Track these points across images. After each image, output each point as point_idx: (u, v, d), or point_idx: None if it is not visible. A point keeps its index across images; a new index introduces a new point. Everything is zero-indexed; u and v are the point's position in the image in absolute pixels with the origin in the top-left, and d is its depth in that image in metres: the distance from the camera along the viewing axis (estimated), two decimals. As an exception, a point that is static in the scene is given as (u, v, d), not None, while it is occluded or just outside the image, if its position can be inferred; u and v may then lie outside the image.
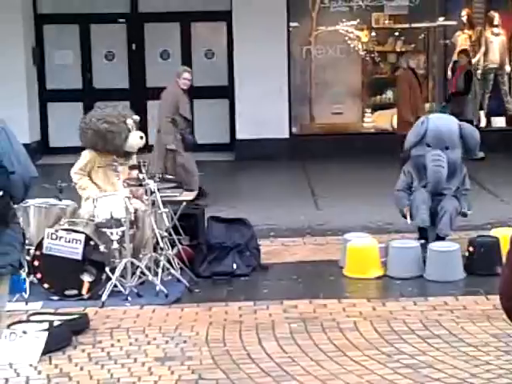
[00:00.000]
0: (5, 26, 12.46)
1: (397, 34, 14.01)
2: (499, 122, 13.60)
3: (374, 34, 13.96)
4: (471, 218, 7.89)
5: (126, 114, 7.19)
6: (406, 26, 13.93)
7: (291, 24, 13.37)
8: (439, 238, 7.13)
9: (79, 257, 6.35)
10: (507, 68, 13.46)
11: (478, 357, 5.12)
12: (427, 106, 13.73)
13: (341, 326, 5.73)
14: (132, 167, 6.88)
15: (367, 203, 9.52)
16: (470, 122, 12.21)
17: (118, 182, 6.72)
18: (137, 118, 7.22)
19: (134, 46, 13.58)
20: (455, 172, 7.23)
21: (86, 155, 7.04)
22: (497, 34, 13.51)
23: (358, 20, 13.75)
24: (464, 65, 12.62)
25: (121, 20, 13.53)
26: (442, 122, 7.32)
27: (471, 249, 6.92)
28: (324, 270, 7.10)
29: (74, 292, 6.36)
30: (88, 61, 13.59)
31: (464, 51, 12.84)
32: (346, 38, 13.73)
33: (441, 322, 5.77)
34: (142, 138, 7.13)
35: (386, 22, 13.94)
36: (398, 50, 14.06)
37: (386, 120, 13.89)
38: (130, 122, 7.09)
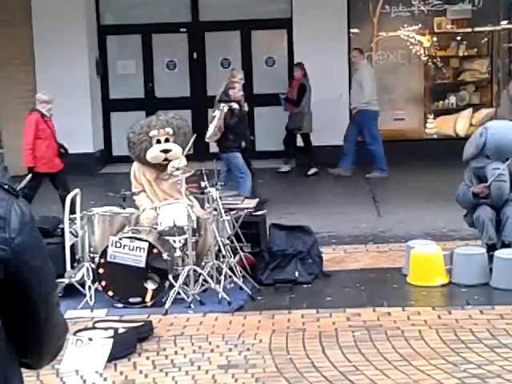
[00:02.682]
0: (69, 37, 12.70)
1: (459, 38, 13.81)
2: None
3: (435, 38, 13.78)
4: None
5: (156, 125, 7.16)
6: (469, 30, 13.73)
7: (352, 30, 13.31)
8: (505, 246, 6.97)
9: (143, 264, 6.41)
10: None
11: (548, 367, 4.99)
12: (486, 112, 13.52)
13: (405, 334, 5.65)
14: (192, 175, 6.91)
15: (430, 210, 9.41)
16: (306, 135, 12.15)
17: (180, 190, 6.75)
18: (169, 130, 7.11)
19: (195, 55, 13.69)
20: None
21: (132, 167, 7.21)
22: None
23: (420, 25, 13.60)
24: (298, 78, 12.32)
25: (182, 29, 13.66)
26: (502, 133, 7.07)
27: (539, 256, 6.76)
28: (387, 278, 7.02)
29: (138, 299, 6.42)
30: (150, 70, 13.76)
31: (298, 64, 12.45)
32: (408, 44, 13.59)
33: (508, 330, 5.64)
34: (165, 151, 7.03)
35: (449, 26, 13.76)
36: (461, 54, 13.87)
37: (448, 126, 13.70)
38: (154, 133, 7.08)
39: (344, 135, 12.09)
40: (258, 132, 13.50)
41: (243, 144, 9.68)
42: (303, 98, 12.11)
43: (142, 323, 5.84)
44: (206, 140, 9.68)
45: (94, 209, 6.87)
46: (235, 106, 9.51)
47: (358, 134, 12.08)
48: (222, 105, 9.47)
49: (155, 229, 6.65)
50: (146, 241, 6.45)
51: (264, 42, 13.77)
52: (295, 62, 12.67)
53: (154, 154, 7.03)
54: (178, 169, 6.81)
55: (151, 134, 7.05)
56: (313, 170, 12.11)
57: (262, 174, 12.22)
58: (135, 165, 7.20)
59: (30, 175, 8.30)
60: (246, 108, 9.88)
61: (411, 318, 6.00)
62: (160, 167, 7.07)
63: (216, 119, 9.40)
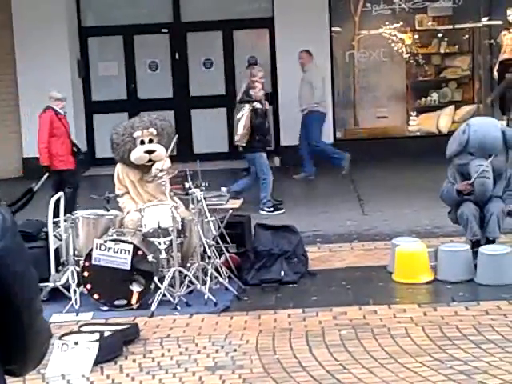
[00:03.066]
0: (50, 39, 12.64)
1: (441, 35, 13.86)
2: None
3: (417, 36, 13.82)
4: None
5: (139, 125, 7.13)
6: (450, 27, 13.78)
7: (333, 29, 13.33)
8: (489, 242, 7.00)
9: (128, 267, 6.39)
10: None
11: (534, 362, 5.02)
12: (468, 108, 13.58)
13: (392, 332, 5.66)
14: (176, 177, 6.90)
15: (414, 207, 9.43)
16: None
17: (165, 192, 6.74)
18: (152, 131, 7.07)
19: (177, 56, 13.66)
20: (500, 176, 7.09)
21: (116, 168, 7.19)
22: (543, 33, 13.28)
23: (401, 23, 13.63)
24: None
25: (164, 30, 13.62)
26: (485, 130, 7.08)
27: (522, 251, 6.80)
28: (373, 276, 7.03)
29: (124, 302, 6.39)
30: (132, 71, 13.72)
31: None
32: (389, 41, 13.63)
33: (494, 326, 5.67)
34: (149, 152, 6.99)
35: (430, 23, 13.80)
36: (443, 51, 13.91)
37: (431, 123, 13.75)
38: (137, 134, 7.05)
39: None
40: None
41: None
42: None
43: (127, 326, 5.82)
44: (236, 143, 9.67)
45: (78, 211, 6.84)
46: (258, 105, 9.55)
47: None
48: (245, 105, 9.48)
49: (140, 231, 6.62)
50: (131, 243, 6.42)
51: (246, 41, 13.76)
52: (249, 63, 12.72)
53: (138, 154, 7.00)
54: (162, 170, 6.79)
55: (135, 135, 7.03)
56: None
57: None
58: (119, 166, 7.18)
59: (47, 174, 8.25)
60: (266, 106, 9.88)
61: (397, 315, 6.01)
62: (144, 168, 7.05)
63: (243, 120, 9.40)
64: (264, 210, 9.56)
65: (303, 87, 11.84)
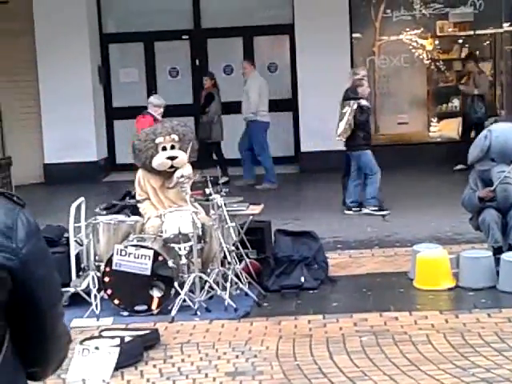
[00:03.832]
0: (71, 45, 12.73)
1: (461, 41, 13.80)
2: None
3: (438, 42, 13.78)
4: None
5: (162, 132, 7.14)
6: (471, 33, 13.72)
7: (354, 35, 13.31)
8: (511, 248, 6.95)
9: (148, 272, 6.40)
10: None
11: (557, 370, 4.97)
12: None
13: (413, 339, 5.62)
14: (197, 182, 6.92)
15: (435, 214, 9.38)
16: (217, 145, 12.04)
17: (186, 197, 6.74)
18: (174, 137, 7.08)
19: (197, 62, 13.70)
20: (522, 182, 7.04)
21: (137, 174, 7.16)
22: None
23: (422, 28, 13.60)
24: (208, 87, 12.36)
25: (184, 36, 13.67)
26: (506, 136, 7.04)
27: (545, 258, 6.74)
28: (394, 282, 6.99)
29: (144, 307, 6.40)
30: (153, 78, 13.77)
31: (209, 74, 12.47)
32: (410, 47, 13.59)
33: (517, 334, 5.62)
34: (171, 158, 6.99)
35: (451, 29, 13.75)
36: (464, 57, 13.85)
37: (452, 129, 13.69)
38: (159, 140, 7.05)
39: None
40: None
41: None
42: (209, 107, 12.12)
43: (148, 331, 5.82)
44: (337, 138, 9.72)
45: (99, 217, 6.86)
46: (364, 102, 9.64)
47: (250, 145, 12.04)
48: (351, 102, 9.56)
49: (160, 236, 6.63)
50: (152, 248, 6.43)
51: (266, 48, 13.77)
52: (207, 72, 12.80)
53: (160, 160, 7.01)
54: (182, 176, 6.80)
55: (157, 141, 7.04)
56: (224, 179, 12.05)
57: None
58: (140, 172, 7.19)
59: None
60: (368, 105, 9.97)
61: (418, 322, 5.97)
62: (165, 174, 7.06)
63: (346, 116, 9.49)
64: (367, 208, 9.57)
65: (243, 97, 11.96)
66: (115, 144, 13.82)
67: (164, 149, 7.05)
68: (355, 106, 9.52)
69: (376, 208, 9.57)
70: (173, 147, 7.07)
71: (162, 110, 9.16)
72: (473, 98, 12.25)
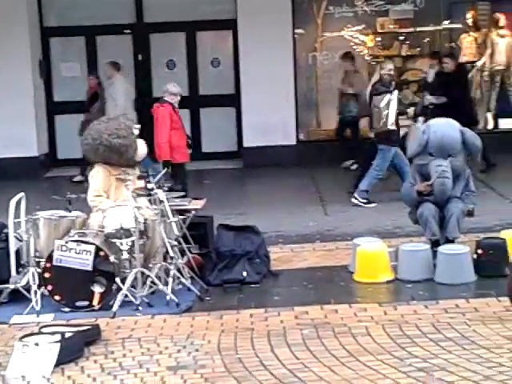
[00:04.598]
0: (12, 40, 12.52)
1: (402, 38, 14.00)
2: (507, 123, 13.56)
3: (379, 38, 13.95)
4: (480, 219, 7.89)
5: (130, 124, 7.18)
6: (411, 30, 13.93)
7: (296, 31, 13.38)
8: (448, 241, 7.11)
9: (89, 268, 6.37)
10: (514, 69, 13.41)
11: (491, 359, 5.10)
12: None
13: (352, 331, 5.72)
14: (140, 177, 6.90)
15: (375, 208, 9.54)
16: None
17: (127, 193, 6.73)
18: (138, 127, 7.20)
19: (140, 57, 13.62)
20: (459, 176, 7.19)
21: (99, 171, 6.98)
22: (502, 36, 13.47)
23: (363, 25, 13.74)
24: (93, 86, 12.45)
25: (126, 31, 13.57)
26: (444, 131, 7.17)
27: (480, 251, 6.91)
28: (334, 276, 7.09)
29: (85, 303, 6.37)
30: (95, 72, 13.61)
31: (93, 73, 12.64)
32: (352, 44, 13.73)
33: (452, 324, 5.75)
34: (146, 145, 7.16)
35: (391, 26, 13.94)
36: (404, 54, 14.06)
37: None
38: (135, 132, 7.10)
39: None
40: (205, 133, 13.51)
41: None
42: (93, 107, 12.13)
43: (89, 327, 5.80)
44: (389, 127, 9.73)
45: (39, 213, 6.80)
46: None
47: None
48: (393, 92, 9.74)
49: (102, 231, 6.61)
50: (93, 244, 6.41)
51: (209, 43, 13.76)
52: (91, 71, 12.81)
53: (143, 150, 7.04)
54: (127, 172, 6.82)
55: (136, 132, 7.05)
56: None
57: (210, 174, 12.25)
58: (101, 168, 7.02)
59: (166, 169, 8.17)
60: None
61: (358, 314, 6.07)
62: (117, 168, 6.98)
63: (393, 105, 9.63)
64: (356, 199, 9.72)
65: (108, 100, 12.03)
66: (56, 139, 13.65)
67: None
68: (395, 96, 9.75)
69: (365, 201, 9.71)
70: None
71: (179, 98, 9.08)
72: (348, 97, 12.31)
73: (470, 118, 11.34)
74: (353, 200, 9.79)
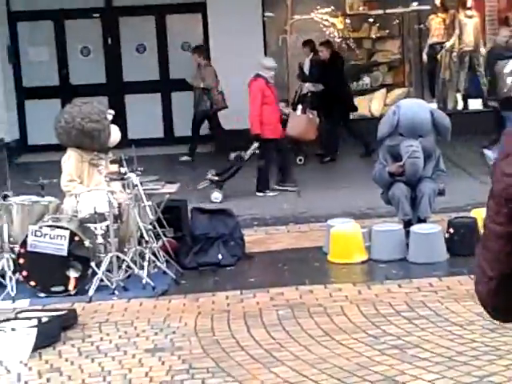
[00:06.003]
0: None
1: (371, 20, 14.06)
2: (476, 104, 13.70)
3: (348, 20, 14.00)
4: (451, 199, 7.99)
5: (104, 109, 7.17)
6: (381, 12, 13.99)
7: (266, 14, 13.39)
8: (420, 221, 7.19)
9: (64, 253, 6.36)
10: (482, 50, 13.54)
11: (464, 335, 5.20)
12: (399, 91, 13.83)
13: (328, 310, 5.78)
14: (113, 162, 6.89)
15: (348, 190, 9.60)
16: None
17: (100, 177, 6.72)
18: (112, 112, 7.19)
19: (109, 41, 13.54)
20: (430, 156, 7.27)
21: (71, 156, 6.94)
22: (470, 17, 13.59)
23: (333, 7, 13.79)
24: None
25: (95, 15, 13.48)
26: (414, 111, 7.22)
27: (451, 230, 7.01)
28: (309, 257, 7.15)
29: (61, 288, 6.37)
30: (64, 57, 13.53)
31: None
32: (321, 26, 13.76)
33: (426, 302, 5.84)
34: (119, 131, 7.16)
35: (361, 8, 13.99)
36: (373, 36, 14.12)
37: (363, 106, 13.94)
38: (109, 117, 7.09)
39: None
40: (174, 116, 13.49)
41: None
42: None
43: (65, 311, 5.80)
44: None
45: (12, 198, 6.77)
46: None
47: None
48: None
49: (76, 216, 6.59)
50: (67, 229, 6.40)
51: (179, 26, 13.71)
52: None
53: (116, 135, 7.04)
54: (99, 156, 6.80)
55: (109, 117, 7.02)
56: None
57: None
58: (73, 153, 6.97)
59: (257, 144, 8.09)
60: None
61: (333, 294, 6.14)
62: (90, 153, 6.96)
63: None
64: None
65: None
66: (27, 125, 13.55)
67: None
68: None
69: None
70: None
71: (273, 72, 9.01)
72: (200, 91, 12.10)
73: (349, 105, 11.59)
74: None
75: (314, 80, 11.46)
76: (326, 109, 11.45)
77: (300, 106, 11.04)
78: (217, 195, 9.25)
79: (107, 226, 6.46)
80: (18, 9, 13.45)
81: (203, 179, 9.38)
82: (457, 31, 13.66)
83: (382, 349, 5.05)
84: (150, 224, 6.81)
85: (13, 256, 6.42)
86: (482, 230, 2.02)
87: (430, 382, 4.55)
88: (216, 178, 9.01)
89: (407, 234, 7.01)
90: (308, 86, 11.34)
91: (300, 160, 11.25)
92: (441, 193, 7.29)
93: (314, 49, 11.93)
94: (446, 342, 5.11)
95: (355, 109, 11.94)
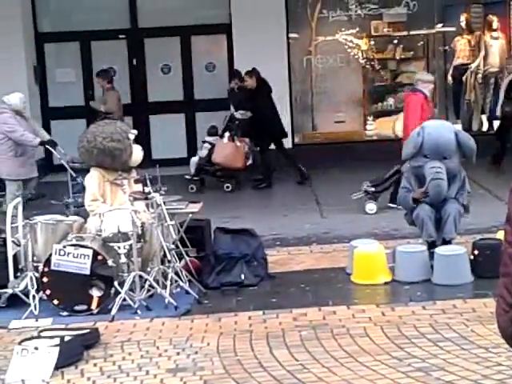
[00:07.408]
0: (6, 45, 12.53)
1: (396, 41, 14.06)
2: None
3: (373, 41, 14.01)
4: (476, 221, 7.92)
5: (127, 129, 7.20)
6: (405, 33, 13.99)
7: (291, 35, 13.43)
8: (445, 242, 7.13)
9: (87, 272, 6.38)
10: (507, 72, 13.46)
11: (489, 358, 5.13)
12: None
13: (351, 332, 5.74)
14: (137, 181, 6.91)
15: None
16: None
17: (124, 197, 6.74)
18: (135, 132, 7.21)
19: (134, 62, 13.64)
20: (455, 178, 7.21)
21: (93, 175, 6.95)
22: (496, 38, 13.56)
23: (357, 28, 13.81)
24: None
25: (121, 36, 13.60)
26: (438, 133, 7.18)
27: (476, 252, 6.94)
28: (332, 278, 7.11)
29: (84, 307, 6.38)
30: (89, 78, 13.65)
31: None
32: (346, 47, 13.78)
33: (450, 325, 5.78)
34: (142, 151, 7.17)
35: (385, 29, 14.00)
36: (398, 57, 14.12)
37: (387, 127, 13.92)
38: (131, 137, 7.11)
39: None
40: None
41: None
42: None
43: (88, 330, 5.81)
44: None
45: (37, 217, 6.81)
46: None
47: None
48: None
49: (99, 235, 6.61)
50: (91, 248, 6.41)
51: (204, 47, 13.80)
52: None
53: (138, 155, 7.03)
54: (123, 176, 6.83)
55: (131, 137, 7.05)
56: None
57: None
58: (95, 172, 7.01)
59: None
60: None
61: (356, 315, 6.09)
62: (113, 172, 6.99)
63: None
64: None
65: None
66: (52, 145, 13.63)
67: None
68: None
69: None
70: None
71: (432, 86, 8.95)
72: (101, 115, 11.35)
73: (279, 131, 11.57)
74: None
75: (241, 108, 11.52)
76: (256, 136, 11.50)
77: (227, 134, 11.14)
78: (371, 206, 9.30)
79: (130, 245, 6.47)
80: (46, 30, 13.61)
81: (357, 190, 9.39)
82: (482, 53, 13.63)
83: (407, 371, 5.00)
84: (173, 243, 6.82)
85: (36, 275, 6.45)
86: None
87: (454, 405, 4.49)
88: (372, 190, 9.05)
89: (431, 255, 6.95)
90: (236, 114, 11.41)
91: (227, 187, 11.31)
92: (465, 209, 7.23)
93: (241, 77, 11.96)
94: (472, 364, 5.04)
95: (285, 135, 11.91)
